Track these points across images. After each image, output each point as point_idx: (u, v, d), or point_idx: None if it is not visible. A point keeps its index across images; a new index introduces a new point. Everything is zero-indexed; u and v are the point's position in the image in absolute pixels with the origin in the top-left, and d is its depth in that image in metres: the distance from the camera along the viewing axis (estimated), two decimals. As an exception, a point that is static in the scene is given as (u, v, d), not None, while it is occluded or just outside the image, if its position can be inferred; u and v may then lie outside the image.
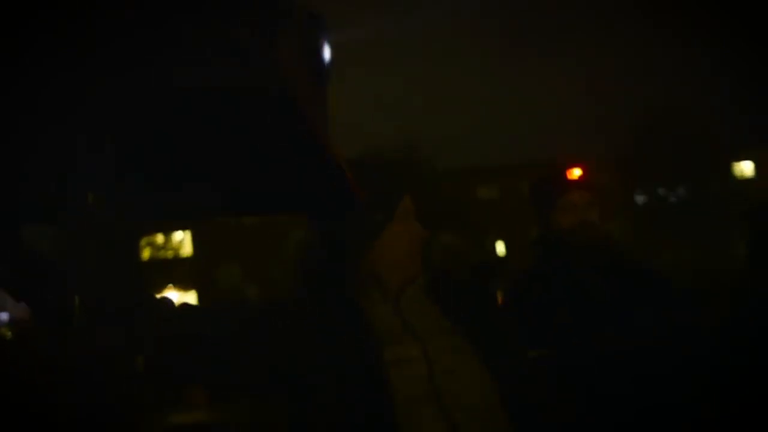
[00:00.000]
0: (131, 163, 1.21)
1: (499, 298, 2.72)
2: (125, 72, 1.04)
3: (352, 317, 1.56)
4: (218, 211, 1.74)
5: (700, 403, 2.49)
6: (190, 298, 31.82)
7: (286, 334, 1.59)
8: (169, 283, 29.46)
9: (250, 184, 1.52)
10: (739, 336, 2.62)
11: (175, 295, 27.61)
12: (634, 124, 31.99)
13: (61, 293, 1.36)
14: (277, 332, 1.59)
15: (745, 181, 35.21)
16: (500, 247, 34.52)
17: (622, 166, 29.54)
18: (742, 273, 2.75)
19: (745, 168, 37.22)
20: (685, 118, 31.01)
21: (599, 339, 2.42)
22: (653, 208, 31.29)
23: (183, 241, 34.98)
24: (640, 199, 32.05)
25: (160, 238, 33.33)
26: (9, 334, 9.10)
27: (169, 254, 33.68)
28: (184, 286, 31.87)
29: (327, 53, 1.43)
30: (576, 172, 2.69)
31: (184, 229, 34.35)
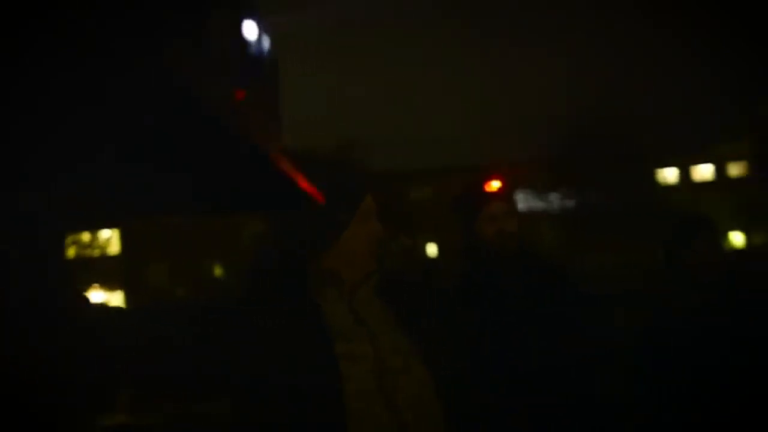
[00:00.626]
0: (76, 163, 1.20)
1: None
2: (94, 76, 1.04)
3: (307, 312, 1.58)
4: (167, 210, 1.73)
5: (617, 397, 2.60)
6: (117, 297, 31.13)
7: (226, 333, 1.59)
8: (95, 282, 28.74)
9: (199, 185, 1.52)
10: (658, 336, 2.74)
11: (102, 295, 26.99)
12: (566, 127, 32.61)
13: None
14: (216, 332, 1.59)
15: (668, 188, 36.40)
16: (432, 249, 34.82)
17: (554, 169, 30.09)
18: (660, 273, 2.86)
19: (669, 175, 38.47)
20: (613, 124, 31.75)
21: (522, 343, 2.53)
22: (583, 212, 31.91)
23: (110, 239, 34.17)
24: (570, 202, 32.66)
25: (86, 236, 32.49)
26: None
27: (96, 253, 32.83)
28: (111, 285, 31.13)
29: (266, 46, 1.43)
30: (494, 184, 2.80)
31: (111, 227, 33.58)
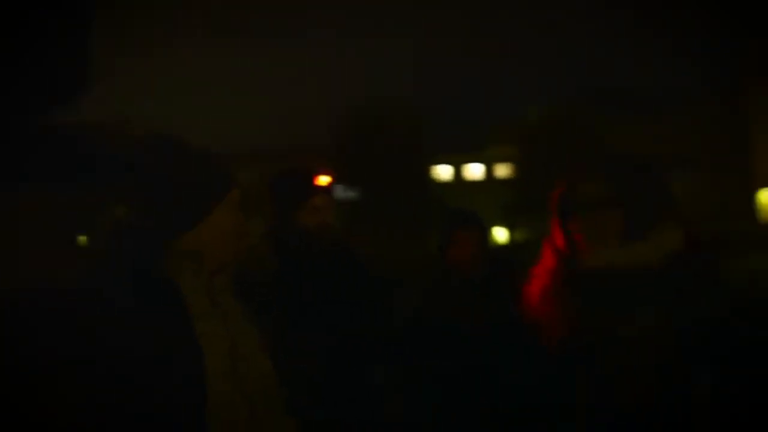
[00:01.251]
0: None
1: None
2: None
3: (165, 291, 1.65)
4: None
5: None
6: None
7: (81, 311, 1.60)
8: None
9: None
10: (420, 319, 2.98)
11: None
12: (349, 119, 33.19)
13: None
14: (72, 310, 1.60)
15: (443, 184, 38.39)
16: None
17: (335, 161, 30.60)
18: (432, 259, 3.12)
19: (443, 172, 40.61)
20: (394, 119, 32.81)
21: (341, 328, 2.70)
22: (359, 205, 32.64)
23: None
24: (350, 195, 33.26)
25: None
26: None
27: None
28: None
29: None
30: (324, 179, 2.87)
31: None
